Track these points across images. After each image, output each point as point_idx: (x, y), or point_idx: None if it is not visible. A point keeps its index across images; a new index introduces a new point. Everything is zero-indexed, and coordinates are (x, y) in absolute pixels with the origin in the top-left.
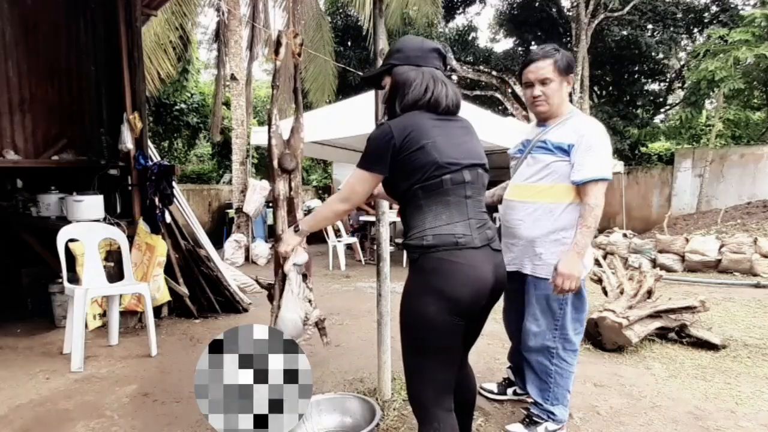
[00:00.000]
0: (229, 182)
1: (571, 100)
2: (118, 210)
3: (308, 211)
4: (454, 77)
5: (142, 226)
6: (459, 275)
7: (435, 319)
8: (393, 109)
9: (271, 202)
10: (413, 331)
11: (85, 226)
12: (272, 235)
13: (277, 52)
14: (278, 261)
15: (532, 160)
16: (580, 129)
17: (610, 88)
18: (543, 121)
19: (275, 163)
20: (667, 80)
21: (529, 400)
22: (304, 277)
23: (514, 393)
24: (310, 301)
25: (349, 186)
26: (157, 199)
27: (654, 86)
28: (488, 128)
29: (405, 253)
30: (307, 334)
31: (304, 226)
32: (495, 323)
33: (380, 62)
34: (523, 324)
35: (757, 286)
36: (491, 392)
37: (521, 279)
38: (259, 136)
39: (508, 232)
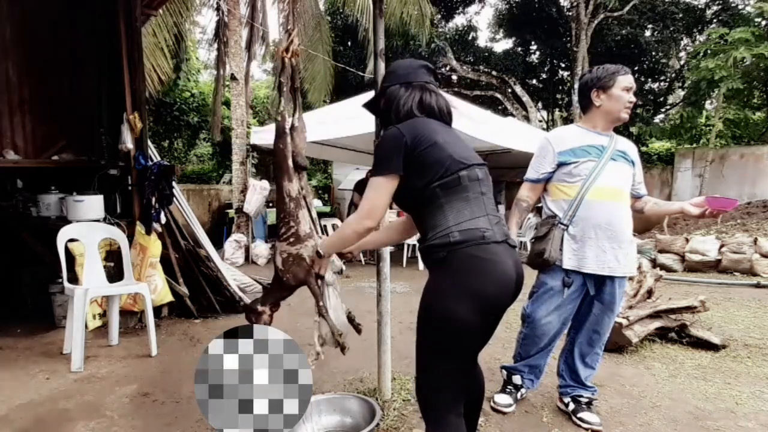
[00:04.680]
0: (229, 182)
1: (570, 100)
2: (118, 210)
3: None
4: (454, 77)
5: (138, 226)
6: (488, 272)
7: (465, 320)
8: (389, 122)
9: (271, 202)
10: (438, 334)
11: (85, 226)
12: (272, 235)
13: (287, 50)
14: (299, 266)
15: (620, 166)
16: (633, 147)
17: None
18: (604, 129)
19: (290, 161)
20: (667, 80)
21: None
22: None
23: (521, 396)
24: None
25: (367, 201)
26: (154, 199)
27: (654, 86)
28: (491, 129)
29: (420, 258)
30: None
31: (324, 249)
32: None
33: (381, 63)
34: (610, 321)
35: (757, 286)
36: (509, 405)
37: (602, 281)
38: (259, 136)
39: (611, 234)
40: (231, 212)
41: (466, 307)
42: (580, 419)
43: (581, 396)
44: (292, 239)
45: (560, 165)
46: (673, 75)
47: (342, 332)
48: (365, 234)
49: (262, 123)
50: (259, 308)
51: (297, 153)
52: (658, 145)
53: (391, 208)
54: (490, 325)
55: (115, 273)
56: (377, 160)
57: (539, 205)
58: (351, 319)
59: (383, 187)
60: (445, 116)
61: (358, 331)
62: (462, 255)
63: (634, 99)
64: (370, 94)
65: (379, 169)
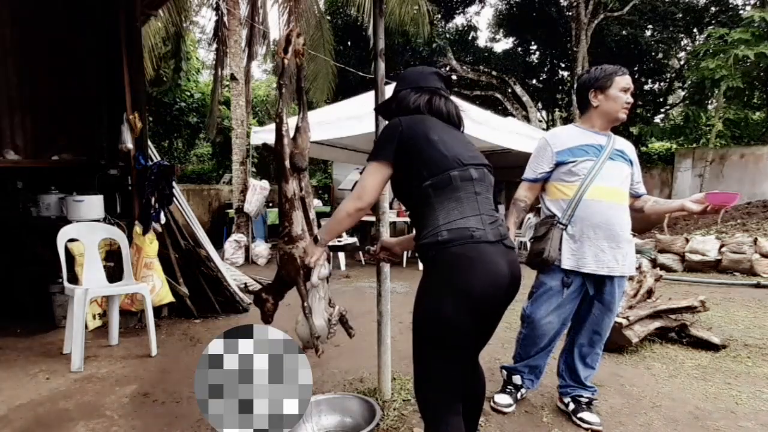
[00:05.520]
0: (229, 182)
1: (570, 100)
2: (118, 210)
3: None
4: (454, 77)
5: (135, 226)
6: (476, 270)
7: (452, 317)
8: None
9: (272, 202)
10: (429, 331)
11: (85, 226)
12: (273, 235)
13: (285, 51)
14: (292, 265)
15: (618, 166)
16: (630, 147)
17: None
18: (602, 129)
19: (287, 162)
20: (667, 80)
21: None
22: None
23: (521, 396)
24: (330, 300)
25: (359, 184)
26: (154, 199)
27: (654, 86)
28: (491, 129)
29: (418, 256)
30: (332, 331)
31: (323, 234)
32: None
33: (381, 62)
34: (609, 321)
35: (757, 286)
36: (509, 405)
37: (602, 281)
38: (259, 136)
39: (609, 234)
40: (231, 212)
41: (453, 306)
42: (580, 419)
43: (581, 396)
44: (286, 239)
45: (558, 164)
46: (673, 75)
47: (319, 335)
48: (356, 215)
49: (261, 123)
50: (264, 296)
51: (298, 154)
52: (658, 145)
53: (391, 208)
54: (485, 324)
55: (115, 273)
56: (374, 147)
57: (539, 205)
58: (344, 322)
59: (374, 172)
60: (453, 119)
61: (350, 335)
62: (450, 254)
63: (631, 99)
64: (370, 95)
65: (373, 154)
